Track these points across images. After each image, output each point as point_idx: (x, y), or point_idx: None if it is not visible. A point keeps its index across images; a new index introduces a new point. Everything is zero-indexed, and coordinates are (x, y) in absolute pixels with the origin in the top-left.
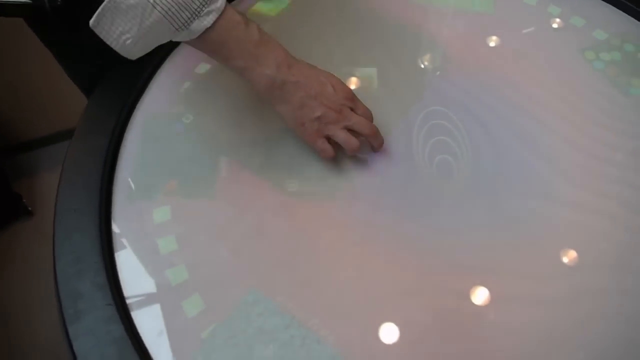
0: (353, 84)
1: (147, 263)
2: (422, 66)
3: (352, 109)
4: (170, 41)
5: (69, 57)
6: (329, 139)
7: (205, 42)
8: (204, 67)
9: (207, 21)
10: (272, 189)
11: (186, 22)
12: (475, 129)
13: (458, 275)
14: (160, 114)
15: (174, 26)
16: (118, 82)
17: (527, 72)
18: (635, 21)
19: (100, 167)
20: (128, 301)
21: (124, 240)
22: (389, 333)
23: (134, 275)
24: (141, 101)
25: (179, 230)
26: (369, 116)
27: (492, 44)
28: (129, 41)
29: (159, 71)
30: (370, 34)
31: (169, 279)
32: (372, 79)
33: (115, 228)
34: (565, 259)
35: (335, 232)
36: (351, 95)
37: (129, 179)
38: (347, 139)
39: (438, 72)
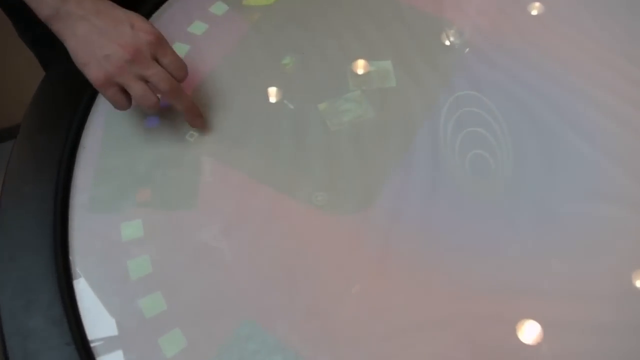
0: (362, 67)
1: (115, 291)
2: (447, 42)
3: (157, 59)
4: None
5: (21, 16)
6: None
7: None
8: (182, 48)
9: None
10: (269, 197)
11: None
12: (516, 117)
13: (499, 299)
14: None
15: None
16: (74, 64)
17: (580, 45)
18: None
19: (54, 172)
20: (91, 339)
21: (85, 263)
22: None
23: (98, 306)
24: None
25: (153, 249)
26: (177, 69)
27: (534, 11)
28: None
29: None
30: (384, 10)
31: (142, 311)
32: (387, 62)
33: (73, 248)
34: (630, 276)
35: (347, 248)
36: (155, 39)
37: (91, 186)
38: (142, 94)
39: (467, 49)
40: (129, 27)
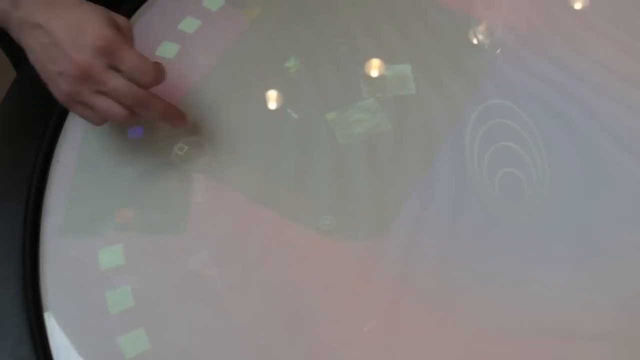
0: (377, 71)
1: (91, 327)
2: (475, 42)
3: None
4: None
5: None
6: None
7: None
8: (171, 48)
9: None
10: (269, 220)
11: None
12: (554, 130)
13: (533, 342)
14: None
15: None
16: None
17: (628, 47)
18: None
19: (24, 190)
20: None
21: (58, 295)
22: None
23: (71, 344)
24: None
25: (135, 279)
26: (141, 74)
27: (577, 4)
28: None
29: None
30: (402, 6)
31: (122, 350)
32: (405, 65)
33: (44, 277)
34: None
35: (358, 281)
36: (105, 45)
37: (65, 207)
38: (106, 110)
39: (498, 50)
40: (81, 32)
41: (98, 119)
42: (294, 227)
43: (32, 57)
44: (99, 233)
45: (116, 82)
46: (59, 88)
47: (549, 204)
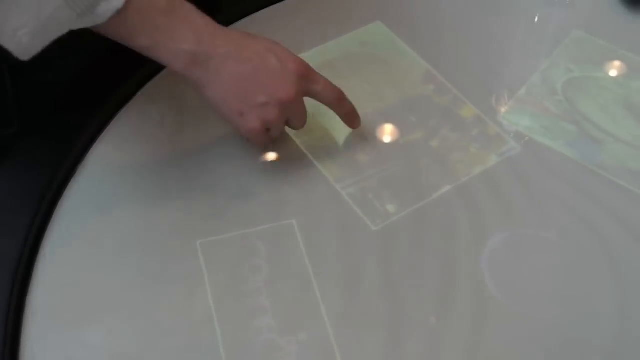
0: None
1: None
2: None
3: (308, 87)
4: None
5: None
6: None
7: (113, 25)
8: None
9: (117, 2)
10: (271, 329)
11: (91, 5)
12: (585, 242)
13: None
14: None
15: (75, 11)
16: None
17: None
18: None
19: (6, 290)
20: None
21: None
22: None
23: None
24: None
25: None
26: (331, 89)
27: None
28: (25, 37)
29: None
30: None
31: None
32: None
33: None
34: None
35: None
36: (305, 70)
37: (50, 310)
38: (277, 134)
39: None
40: (275, 59)
41: (271, 143)
42: (298, 337)
43: (222, 91)
44: (87, 342)
45: (318, 87)
46: (258, 119)
47: (578, 325)
